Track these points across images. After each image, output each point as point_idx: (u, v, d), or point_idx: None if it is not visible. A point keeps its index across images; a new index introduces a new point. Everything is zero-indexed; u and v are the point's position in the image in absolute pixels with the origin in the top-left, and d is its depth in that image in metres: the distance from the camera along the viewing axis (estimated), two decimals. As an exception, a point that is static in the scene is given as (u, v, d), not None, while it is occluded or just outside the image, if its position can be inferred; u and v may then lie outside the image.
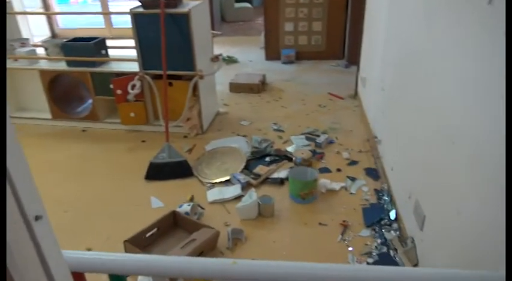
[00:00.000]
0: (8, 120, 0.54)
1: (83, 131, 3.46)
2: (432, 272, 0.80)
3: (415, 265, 1.83)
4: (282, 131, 3.31)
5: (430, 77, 1.73)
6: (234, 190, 2.50)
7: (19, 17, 4.20)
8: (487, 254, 1.15)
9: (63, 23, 6.39)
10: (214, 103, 3.67)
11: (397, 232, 2.10)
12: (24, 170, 0.58)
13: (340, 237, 2.12)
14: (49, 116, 3.48)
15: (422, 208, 1.76)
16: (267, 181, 2.62)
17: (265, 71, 4.64)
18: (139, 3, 2.91)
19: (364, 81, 3.52)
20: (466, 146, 1.30)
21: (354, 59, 4.45)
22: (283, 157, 2.88)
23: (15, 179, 0.55)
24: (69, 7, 9.26)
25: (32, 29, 5.05)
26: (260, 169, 2.70)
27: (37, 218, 0.60)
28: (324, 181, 2.53)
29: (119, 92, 3.09)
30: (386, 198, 2.36)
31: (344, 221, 2.22)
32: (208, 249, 2.02)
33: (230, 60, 5.22)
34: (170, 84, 3.04)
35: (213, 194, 2.49)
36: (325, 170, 2.73)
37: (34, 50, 3.45)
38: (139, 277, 1.83)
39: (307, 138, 3.14)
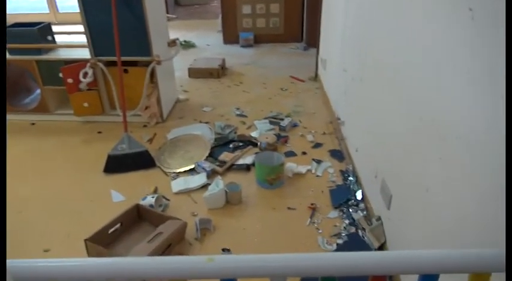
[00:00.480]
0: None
1: (32, 124, 3.22)
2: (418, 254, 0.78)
3: (383, 243, 1.87)
4: (245, 116, 3.26)
5: (394, 55, 1.72)
6: (200, 179, 2.43)
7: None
8: (457, 228, 1.17)
9: (2, 8, 5.91)
10: (173, 90, 3.55)
11: (364, 212, 2.13)
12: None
13: (309, 220, 2.12)
14: (-8, 109, 3.21)
15: (389, 187, 1.78)
16: (232, 167, 2.57)
17: (224, 55, 4.54)
18: (87, -15, 2.71)
19: (325, 63, 3.52)
20: (434, 122, 1.31)
21: (312, 42, 4.45)
22: (248, 142, 2.83)
23: None
24: (8, -9, 8.59)
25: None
26: (225, 156, 2.64)
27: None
28: (290, 165, 2.51)
29: (69, 81, 2.90)
30: (352, 179, 2.39)
31: (312, 204, 2.22)
32: (176, 241, 1.95)
33: (187, 45, 5.06)
34: (125, 71, 2.89)
35: (177, 184, 2.41)
36: (290, 154, 2.71)
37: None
38: None
39: (271, 123, 3.11)
